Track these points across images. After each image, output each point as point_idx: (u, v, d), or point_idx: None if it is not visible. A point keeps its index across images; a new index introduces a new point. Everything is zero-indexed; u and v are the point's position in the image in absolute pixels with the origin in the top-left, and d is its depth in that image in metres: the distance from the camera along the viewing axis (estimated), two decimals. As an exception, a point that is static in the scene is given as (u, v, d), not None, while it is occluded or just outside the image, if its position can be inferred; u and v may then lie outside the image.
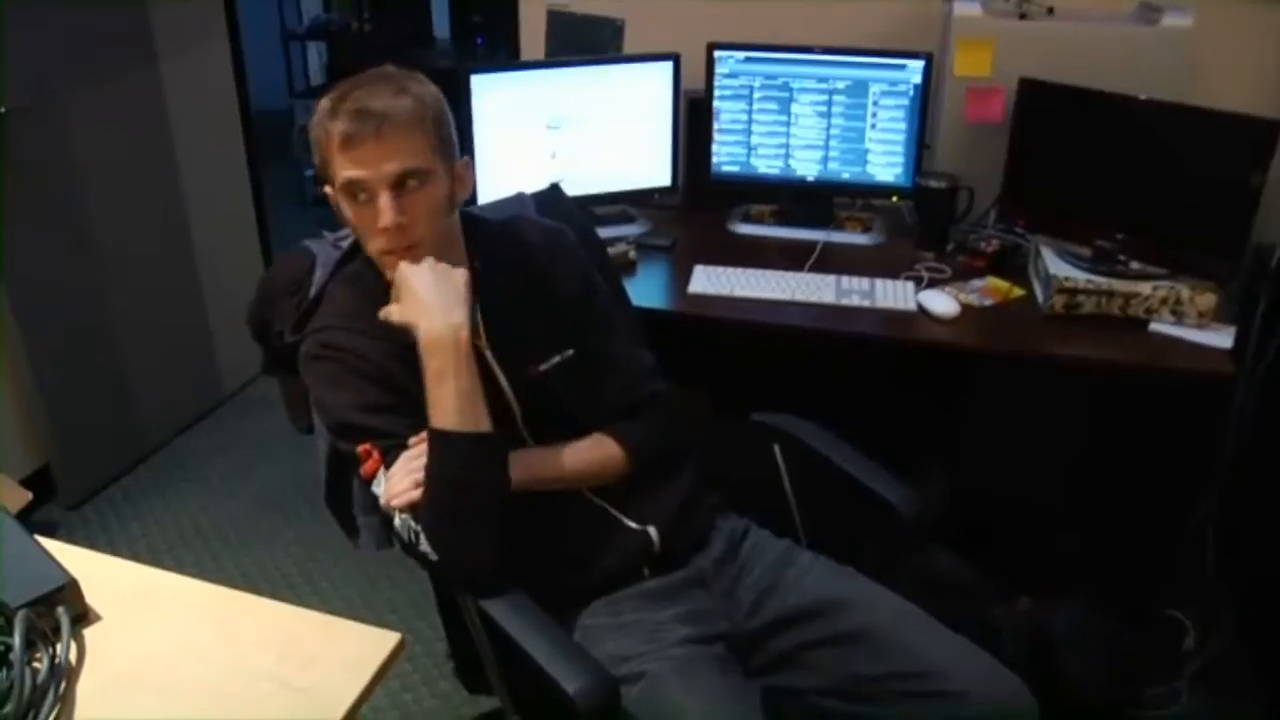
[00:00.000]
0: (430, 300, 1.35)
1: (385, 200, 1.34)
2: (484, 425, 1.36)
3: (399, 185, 1.35)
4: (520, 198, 1.85)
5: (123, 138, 2.87)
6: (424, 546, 1.37)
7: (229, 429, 3.25)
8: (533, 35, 2.70)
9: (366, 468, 1.41)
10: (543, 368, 1.52)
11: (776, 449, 1.79)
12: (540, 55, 2.68)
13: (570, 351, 1.54)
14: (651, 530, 1.54)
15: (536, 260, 1.57)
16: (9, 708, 1.02)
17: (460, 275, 1.39)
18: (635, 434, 1.56)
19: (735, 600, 1.55)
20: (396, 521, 1.39)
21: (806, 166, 2.42)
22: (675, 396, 1.64)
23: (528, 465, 1.47)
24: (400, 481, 1.37)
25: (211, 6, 3.20)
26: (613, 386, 1.58)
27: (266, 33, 5.08)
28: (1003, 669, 1.41)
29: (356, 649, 1.15)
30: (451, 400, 1.34)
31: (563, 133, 2.37)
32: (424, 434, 1.37)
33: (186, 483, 2.98)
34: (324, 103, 1.37)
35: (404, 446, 1.38)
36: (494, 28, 4.76)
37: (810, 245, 2.34)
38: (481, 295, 1.49)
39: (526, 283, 1.55)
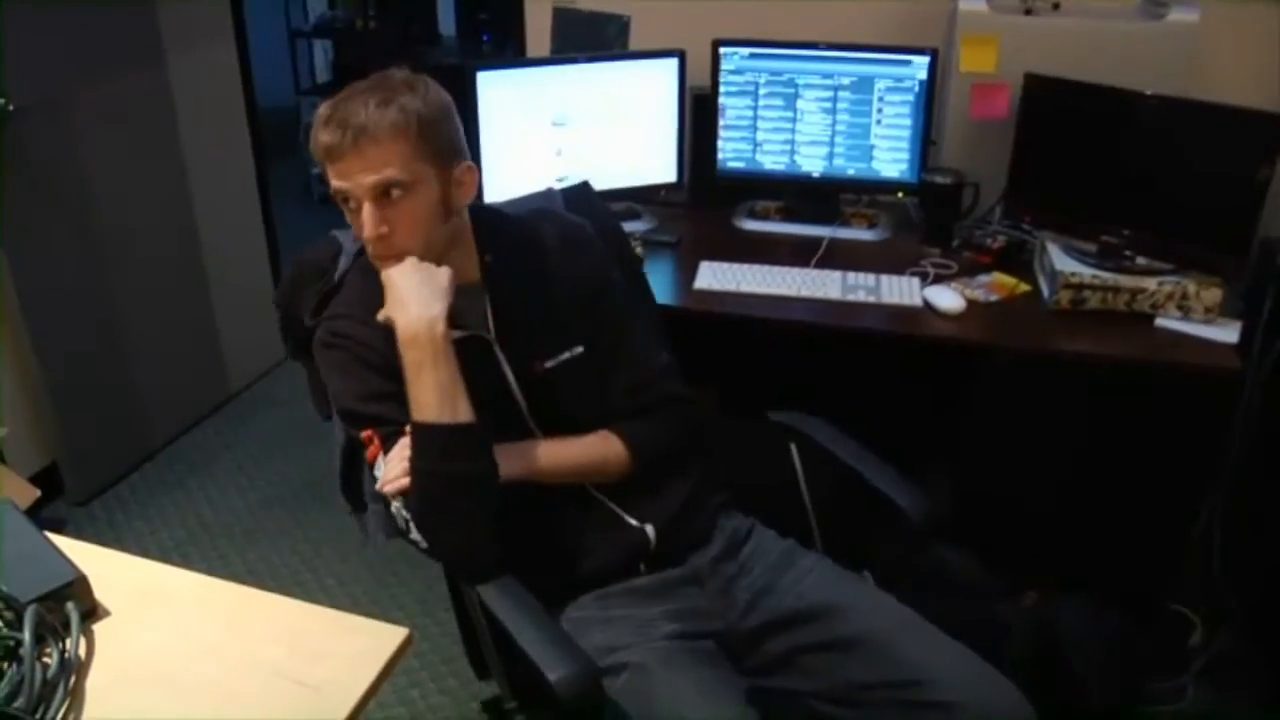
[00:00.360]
0: (408, 296, 1.36)
1: (368, 211, 1.35)
2: (464, 416, 1.36)
3: (383, 195, 1.35)
4: (549, 193, 1.84)
5: (130, 136, 2.88)
6: (414, 534, 1.39)
7: (236, 426, 3.25)
8: (538, 32, 2.70)
9: (368, 454, 1.43)
10: (549, 364, 1.52)
11: (793, 448, 1.78)
12: (546, 52, 2.68)
13: (580, 349, 1.54)
14: (649, 529, 1.54)
15: (551, 256, 1.57)
16: (19, 702, 1.03)
17: (444, 273, 1.39)
18: (639, 432, 1.56)
19: (731, 599, 1.55)
20: (392, 508, 1.41)
21: (812, 163, 2.42)
22: (689, 398, 1.64)
23: (527, 457, 1.48)
24: (394, 468, 1.38)
25: (218, 5, 3.20)
26: (622, 386, 1.58)
27: (273, 30, 5.09)
28: (1002, 679, 1.40)
29: (365, 644, 1.16)
30: (431, 392, 1.35)
31: (568, 129, 2.37)
32: None
33: (194, 480, 2.99)
34: (320, 110, 1.37)
35: (403, 433, 1.39)
36: (500, 25, 4.75)
37: (816, 241, 2.33)
38: (491, 290, 1.50)
39: (538, 278, 1.55)
